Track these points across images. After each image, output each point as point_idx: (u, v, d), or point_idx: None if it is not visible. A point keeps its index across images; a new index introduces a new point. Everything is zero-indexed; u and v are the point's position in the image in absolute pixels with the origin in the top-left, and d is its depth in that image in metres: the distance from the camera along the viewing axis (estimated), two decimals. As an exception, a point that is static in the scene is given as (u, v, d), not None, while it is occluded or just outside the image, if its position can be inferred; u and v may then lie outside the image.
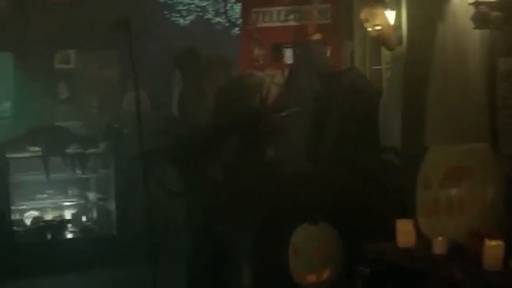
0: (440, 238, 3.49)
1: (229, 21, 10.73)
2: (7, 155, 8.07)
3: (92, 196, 8.69)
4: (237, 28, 10.93)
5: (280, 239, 4.62)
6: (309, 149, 5.16)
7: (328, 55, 5.84)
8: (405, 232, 3.68)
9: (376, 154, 4.75)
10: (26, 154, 8.20)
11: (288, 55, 6.41)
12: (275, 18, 6.62)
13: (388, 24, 4.83)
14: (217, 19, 11.40)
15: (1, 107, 11.18)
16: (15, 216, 8.30)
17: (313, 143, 5.14)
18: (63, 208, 8.61)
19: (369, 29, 4.95)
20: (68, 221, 8.48)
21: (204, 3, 11.37)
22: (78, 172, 8.35)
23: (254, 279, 5.09)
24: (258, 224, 5.02)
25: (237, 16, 9.89)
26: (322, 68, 5.41)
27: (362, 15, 4.97)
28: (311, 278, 4.35)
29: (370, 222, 4.28)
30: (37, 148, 8.19)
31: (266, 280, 4.89)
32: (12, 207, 8.17)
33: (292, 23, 6.52)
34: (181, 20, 11.33)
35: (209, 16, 11.37)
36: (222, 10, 11.10)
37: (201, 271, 5.77)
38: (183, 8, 11.25)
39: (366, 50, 5.65)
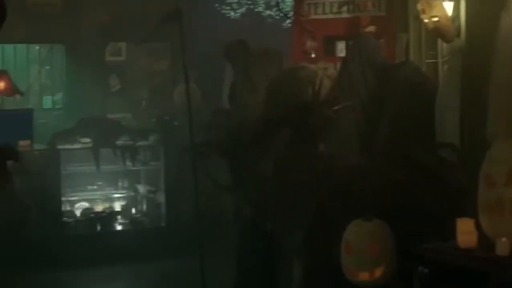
0: (504, 239, 3.34)
1: (281, 13, 10.61)
2: (59, 146, 8.09)
3: (141, 188, 8.68)
4: (288, 21, 10.82)
5: (332, 235, 4.52)
6: (362, 144, 5.03)
7: (382, 48, 5.67)
8: (466, 231, 3.54)
9: (432, 150, 4.60)
10: (77, 146, 8.23)
11: (341, 48, 6.28)
12: (327, 10, 6.49)
13: (446, 15, 4.67)
14: (268, 11, 11.23)
15: (53, 98, 11.37)
16: (65, 207, 8.35)
17: (366, 137, 5.01)
18: (113, 200, 8.63)
19: (426, 20, 4.79)
20: (118, 213, 8.50)
21: (255, -4, 11.22)
22: (128, 164, 8.36)
23: (304, 275, 5.00)
24: (309, 220, 4.91)
25: (289, 9, 9.74)
26: (376, 61, 5.25)
27: (419, 6, 4.81)
28: (364, 276, 4.23)
29: (426, 221, 4.14)
30: (87, 140, 8.22)
31: (317, 277, 4.79)
32: (63, 198, 8.21)
33: (345, 15, 6.39)
34: (232, 13, 11.21)
35: (260, 9, 11.23)
36: (273, 3, 10.90)
37: (250, 266, 5.71)
38: (234, 1, 11.13)
39: (421, 42, 5.50)
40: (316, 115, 4.95)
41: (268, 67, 5.75)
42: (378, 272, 4.20)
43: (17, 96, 9.59)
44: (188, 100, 6.05)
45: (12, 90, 9.18)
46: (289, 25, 10.63)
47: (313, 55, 6.32)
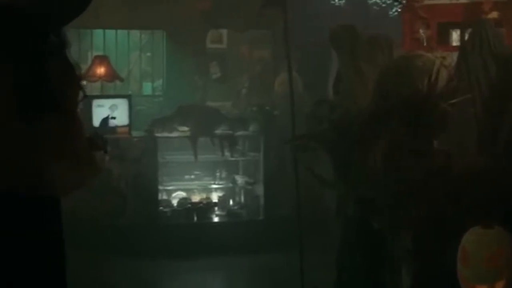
0: None
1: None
2: (156, 134, 7.94)
3: (240, 179, 8.42)
4: (395, 9, 10.51)
5: (445, 241, 4.13)
6: (482, 142, 4.58)
7: (505, 36, 5.19)
8: None
9: None
10: (175, 134, 8.05)
11: (456, 36, 5.84)
12: (444, -5, 6.04)
13: None
14: None
15: (153, 85, 11.34)
16: (162, 196, 8.19)
17: (486, 135, 4.56)
18: (210, 190, 8.42)
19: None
20: (215, 204, 8.28)
21: (362, -18, 10.85)
22: (227, 154, 8.11)
23: (413, 283, 4.60)
24: (421, 223, 4.51)
25: (398, -5, 9.37)
26: (499, 51, 4.79)
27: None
28: (482, 290, 3.82)
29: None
30: (185, 128, 8.03)
31: (428, 286, 4.39)
32: (160, 187, 8.05)
33: (463, 0, 5.91)
34: (336, 0, 10.61)
35: (366, -5, 10.84)
36: (381, -11, 10.52)
37: (352, 267, 5.34)
38: (339, -14, 10.74)
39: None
40: (431, 108, 4.53)
41: (378, 55, 5.35)
42: (499, 287, 3.77)
43: (117, 82, 9.53)
44: (290, 89, 5.71)
45: (113, 75, 9.12)
46: (396, 13, 10.33)
47: (424, 44, 5.91)
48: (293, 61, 6.43)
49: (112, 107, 8.06)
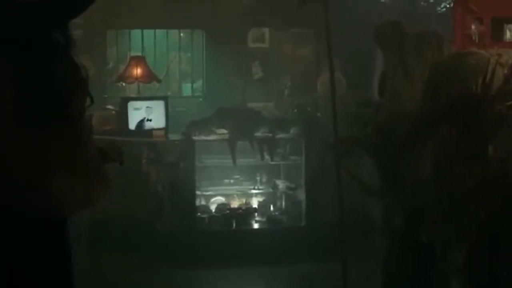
0: None
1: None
2: (194, 137, 7.66)
3: (281, 184, 8.06)
4: (443, 4, 10.21)
5: (501, 255, 3.76)
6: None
7: None
8: None
9: None
10: (213, 137, 7.75)
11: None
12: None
13: None
14: None
15: (192, 86, 11.16)
16: (200, 202, 7.91)
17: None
18: (250, 195, 8.08)
19: None
20: (255, 209, 7.94)
21: (410, -24, 10.61)
22: (267, 158, 7.77)
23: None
24: (474, 234, 4.13)
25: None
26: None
27: None
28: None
29: None
30: (224, 131, 7.73)
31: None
32: (197, 192, 7.75)
33: (522, -9, 5.49)
34: None
35: (413, -10, 10.62)
36: (427, -17, 10.29)
37: (399, 281, 4.99)
38: (383, -19, 10.58)
39: None
40: (486, 110, 4.14)
41: (427, 53, 4.98)
42: None
43: (156, 83, 9.29)
44: (332, 90, 5.36)
45: (150, 76, 8.86)
46: (444, 9, 9.99)
47: (477, 41, 5.50)
48: (335, 60, 6.15)
49: (148, 110, 7.80)
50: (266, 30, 10.96)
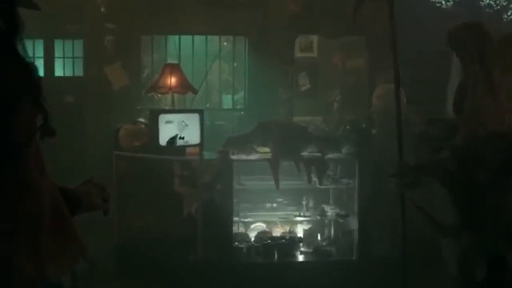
0: None
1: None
2: (232, 156, 6.80)
3: (330, 211, 7.19)
4: (510, 12, 9.75)
5: None
6: None
7: None
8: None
9: None
10: (253, 156, 6.88)
11: None
12: None
13: None
14: (488, 0, 9.91)
15: (234, 98, 10.58)
16: (237, 229, 7.07)
17: None
18: (294, 223, 7.18)
19: None
20: (300, 239, 7.06)
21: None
22: (315, 180, 6.83)
23: None
24: None
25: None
26: None
27: None
28: None
29: None
30: (266, 149, 6.87)
31: None
32: (235, 218, 6.91)
33: None
34: (443, 2, 9.93)
35: (477, -4, 10.00)
36: (494, -12, 9.74)
37: None
38: (446, -13, 10.00)
39: None
40: None
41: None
42: None
43: (192, 95, 8.44)
44: (397, 105, 4.40)
45: (186, 86, 7.98)
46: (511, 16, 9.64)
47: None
48: (391, 72, 5.38)
49: (181, 124, 6.94)
50: (315, 39, 10.42)
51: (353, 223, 6.99)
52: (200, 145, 7.03)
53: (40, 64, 9.77)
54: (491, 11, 9.77)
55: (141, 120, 7.82)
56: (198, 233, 6.83)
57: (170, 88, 7.82)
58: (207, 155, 7.04)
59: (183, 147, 6.94)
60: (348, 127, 7.08)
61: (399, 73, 4.45)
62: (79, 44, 9.96)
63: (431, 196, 4.85)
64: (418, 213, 4.43)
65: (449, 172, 4.09)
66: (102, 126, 9.03)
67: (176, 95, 8.08)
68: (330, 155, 6.94)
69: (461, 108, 4.42)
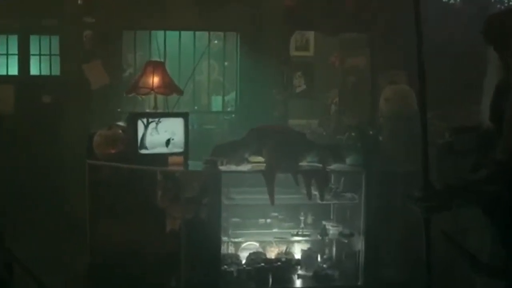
0: None
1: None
2: (220, 166, 6.10)
3: (331, 229, 6.54)
4: None
5: None
6: None
7: None
8: None
9: None
10: (245, 166, 6.20)
11: None
12: None
13: None
14: None
15: (224, 99, 10.26)
16: (226, 250, 6.41)
17: None
18: (291, 243, 6.56)
19: None
20: (297, 261, 6.43)
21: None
22: (314, 194, 6.15)
23: None
24: None
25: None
26: None
27: None
28: None
29: None
30: (259, 158, 6.18)
31: None
32: (224, 237, 6.24)
33: None
34: None
35: (486, -8, 9.84)
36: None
37: None
38: (455, -16, 9.95)
39: None
40: None
41: None
42: None
43: (177, 96, 7.71)
44: (423, 110, 3.57)
45: (169, 87, 7.20)
46: None
47: None
48: (400, 73, 4.72)
49: (162, 128, 6.21)
50: (311, 36, 10.05)
51: (359, 244, 6.37)
52: (185, 153, 6.29)
53: (14, 62, 9.57)
54: (501, 6, 9.48)
55: (120, 124, 7.07)
56: (181, 253, 6.12)
57: (152, 89, 7.04)
58: (192, 165, 6.37)
59: (165, 156, 6.18)
60: (353, 133, 6.33)
61: (424, 69, 3.63)
62: (56, 40, 9.55)
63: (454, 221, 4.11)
64: (450, 246, 3.64)
65: (494, 195, 3.31)
66: (80, 129, 8.48)
67: (159, 96, 7.33)
68: (332, 166, 6.29)
69: (501, 117, 3.64)
